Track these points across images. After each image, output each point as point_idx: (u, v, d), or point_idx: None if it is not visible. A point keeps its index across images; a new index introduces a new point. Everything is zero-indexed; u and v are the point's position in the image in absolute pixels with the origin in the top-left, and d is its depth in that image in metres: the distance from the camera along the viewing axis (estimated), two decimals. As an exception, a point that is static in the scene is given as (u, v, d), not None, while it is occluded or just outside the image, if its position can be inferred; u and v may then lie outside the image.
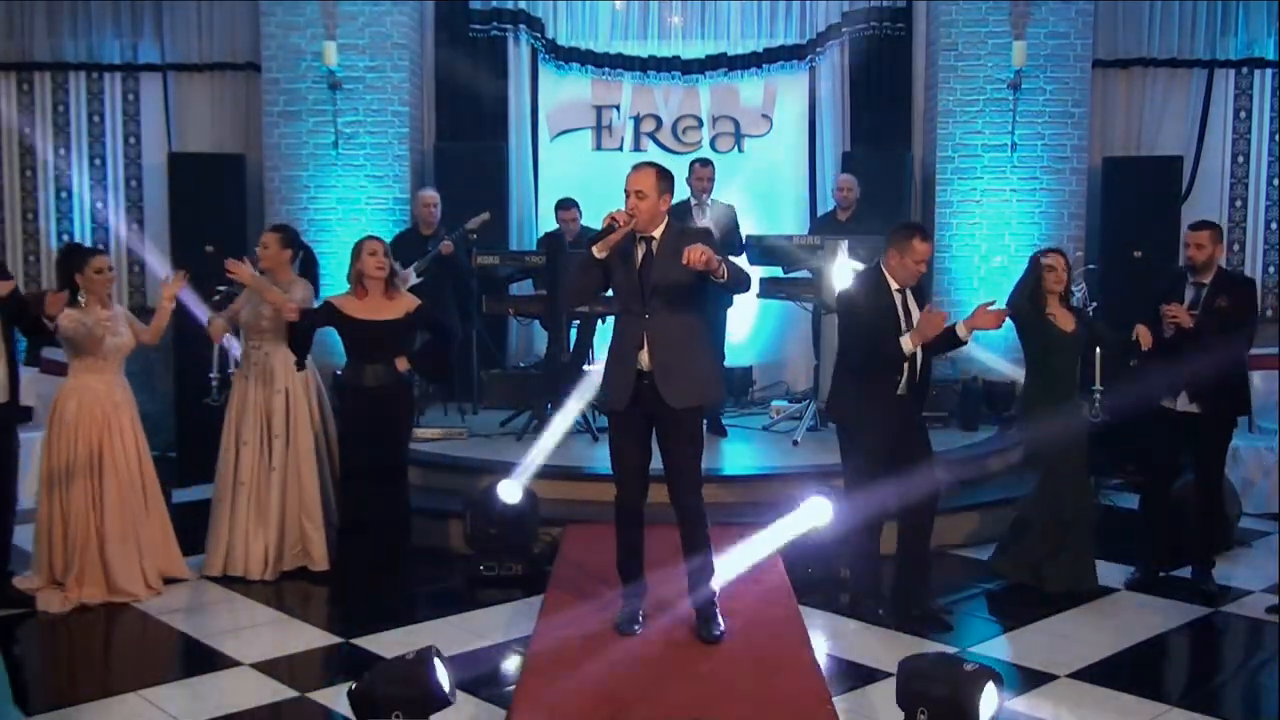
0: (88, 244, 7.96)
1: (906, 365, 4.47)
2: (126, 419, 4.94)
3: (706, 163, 6.92)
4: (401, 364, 4.94)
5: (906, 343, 4.41)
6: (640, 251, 3.99)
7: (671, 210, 4.09)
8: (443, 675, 3.25)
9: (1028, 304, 4.88)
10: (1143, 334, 4.82)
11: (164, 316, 5.05)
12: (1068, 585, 4.85)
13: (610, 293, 4.17)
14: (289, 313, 4.98)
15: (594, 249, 3.93)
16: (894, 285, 4.50)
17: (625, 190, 3.96)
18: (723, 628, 4.05)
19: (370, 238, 5.03)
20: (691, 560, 4.09)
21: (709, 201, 6.82)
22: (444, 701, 3.25)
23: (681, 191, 6.80)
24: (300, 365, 5.15)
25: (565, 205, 7.33)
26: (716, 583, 4.13)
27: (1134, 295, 4.93)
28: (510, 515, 5.18)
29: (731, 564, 4.51)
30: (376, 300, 4.89)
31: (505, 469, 5.45)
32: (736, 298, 7.02)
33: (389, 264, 4.94)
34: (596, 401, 4.19)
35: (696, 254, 3.72)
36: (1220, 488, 5.19)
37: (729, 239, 6.44)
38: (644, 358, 3.94)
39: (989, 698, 3.13)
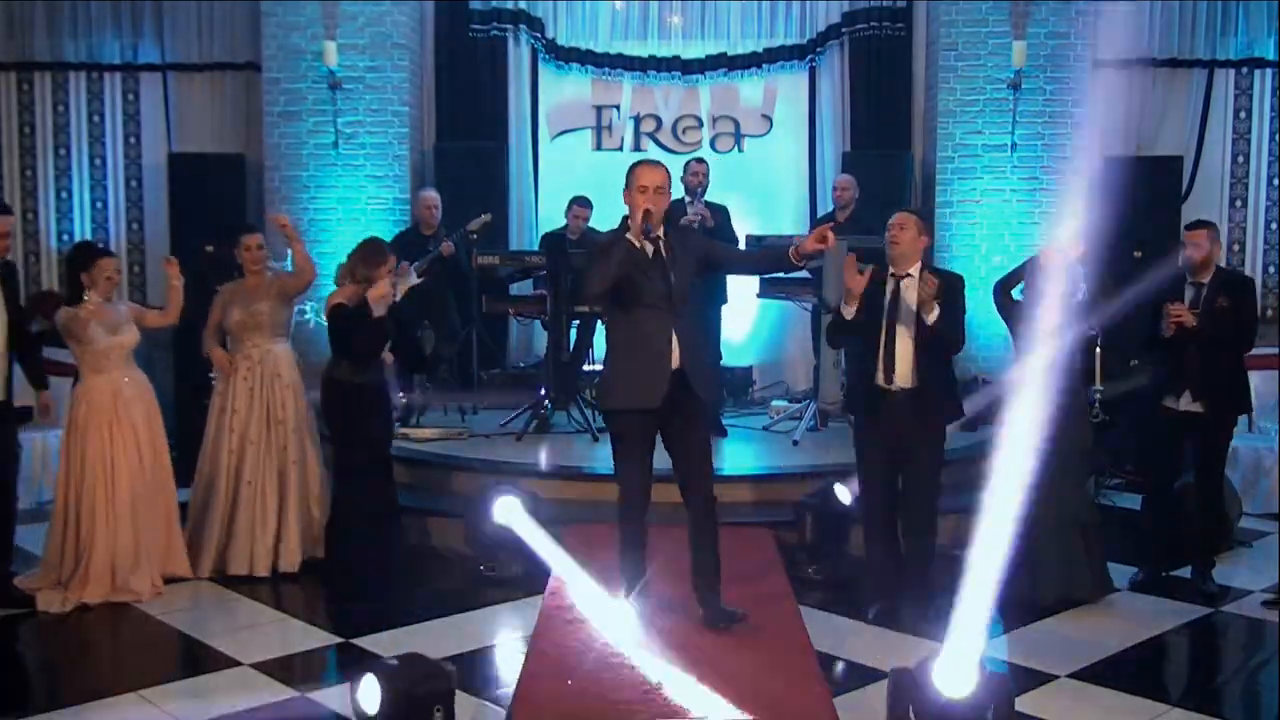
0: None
1: (882, 354, 4.44)
2: (139, 414, 4.90)
3: (702, 160, 6.94)
4: (388, 359, 5.18)
5: (843, 307, 4.50)
6: (649, 249, 4.02)
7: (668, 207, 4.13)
8: None
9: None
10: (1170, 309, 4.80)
11: (177, 295, 5.13)
12: (1087, 592, 4.79)
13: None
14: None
15: (643, 239, 3.96)
16: (890, 269, 4.53)
17: (643, 185, 3.97)
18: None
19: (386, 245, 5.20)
20: (703, 553, 4.12)
21: (701, 201, 6.78)
22: None
23: (676, 190, 6.83)
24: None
25: (583, 203, 7.32)
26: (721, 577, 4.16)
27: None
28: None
29: (732, 564, 4.49)
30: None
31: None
32: (731, 297, 7.08)
33: None
34: (614, 404, 4.10)
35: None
36: (1221, 487, 5.18)
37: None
38: (676, 354, 3.99)
39: None
